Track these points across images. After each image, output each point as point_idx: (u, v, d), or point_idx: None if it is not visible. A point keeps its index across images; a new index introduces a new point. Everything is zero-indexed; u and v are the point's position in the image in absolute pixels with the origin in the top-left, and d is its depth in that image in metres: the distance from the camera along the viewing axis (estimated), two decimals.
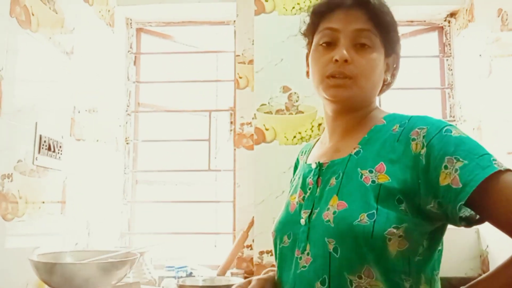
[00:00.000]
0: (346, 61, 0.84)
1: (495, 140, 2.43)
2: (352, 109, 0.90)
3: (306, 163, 0.97)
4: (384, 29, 0.87)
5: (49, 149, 1.91)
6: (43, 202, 1.95)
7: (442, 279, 0.86)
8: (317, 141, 1.05)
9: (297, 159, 1.10)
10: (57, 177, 2.07)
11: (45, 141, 1.88)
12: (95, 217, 2.49)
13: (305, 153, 1.05)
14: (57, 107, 2.09)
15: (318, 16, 0.92)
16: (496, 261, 2.43)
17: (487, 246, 2.51)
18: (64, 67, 2.17)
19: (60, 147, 2.02)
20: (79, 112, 2.30)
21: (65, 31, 2.16)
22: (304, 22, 0.96)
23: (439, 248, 0.82)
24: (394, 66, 0.94)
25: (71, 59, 2.23)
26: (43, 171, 1.93)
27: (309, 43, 0.95)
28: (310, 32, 0.95)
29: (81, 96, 2.34)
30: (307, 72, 0.94)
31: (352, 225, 0.76)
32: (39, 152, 1.83)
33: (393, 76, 0.94)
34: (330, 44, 0.88)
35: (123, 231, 2.93)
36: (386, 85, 0.95)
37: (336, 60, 0.84)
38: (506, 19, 2.31)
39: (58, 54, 2.11)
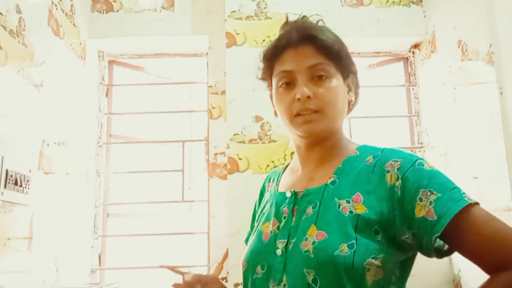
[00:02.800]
0: (308, 97, 0.86)
1: (461, 165, 2.51)
2: (324, 140, 0.91)
3: (277, 191, 0.96)
4: (335, 57, 0.89)
5: (16, 183, 1.86)
6: (9, 239, 1.88)
7: None
8: (285, 168, 1.04)
9: (263, 186, 1.08)
10: (24, 212, 2.01)
11: (11, 176, 1.83)
12: (64, 253, 2.41)
13: (273, 181, 1.03)
14: (25, 140, 2.05)
15: (270, 60, 0.93)
16: (468, 285, 2.46)
17: (459, 271, 2.54)
18: (34, 100, 2.15)
19: (28, 181, 1.97)
20: (48, 145, 2.25)
21: (34, 64, 2.15)
22: (259, 68, 0.98)
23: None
24: (355, 85, 0.96)
25: (41, 92, 2.21)
26: (9, 206, 1.87)
27: (270, 85, 0.97)
28: (267, 75, 0.96)
29: (51, 129, 2.31)
30: (275, 112, 0.96)
31: (333, 256, 0.75)
32: (5, 187, 1.78)
33: (356, 94, 0.96)
34: (289, 84, 0.89)
35: (93, 266, 2.84)
36: (352, 105, 0.97)
37: (299, 99, 0.86)
38: (466, 50, 2.43)
39: (27, 87, 2.09)
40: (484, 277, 0.75)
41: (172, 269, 0.95)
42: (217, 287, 0.94)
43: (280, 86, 0.91)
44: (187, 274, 0.94)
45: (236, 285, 2.41)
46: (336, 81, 0.89)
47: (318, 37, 0.88)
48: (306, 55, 0.88)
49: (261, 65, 0.97)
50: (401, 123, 3.09)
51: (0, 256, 1.81)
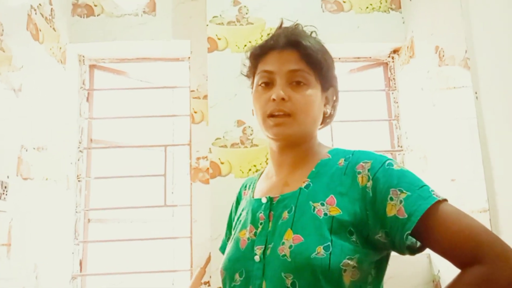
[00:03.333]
0: (283, 99, 0.88)
1: (440, 168, 2.56)
2: (295, 144, 0.92)
3: (253, 197, 0.97)
4: (317, 67, 0.91)
5: None
6: None
7: None
8: (260, 175, 1.05)
9: (239, 193, 1.09)
10: (2, 219, 1.97)
11: None
12: (44, 260, 2.37)
13: (249, 187, 1.04)
14: (2, 146, 2.02)
15: (255, 59, 0.96)
16: None
17: (439, 271, 2.59)
18: (12, 105, 2.12)
19: (5, 187, 1.94)
20: (26, 151, 2.22)
21: (13, 69, 2.12)
22: (244, 65, 1.00)
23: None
24: (334, 98, 0.98)
25: (19, 97, 2.18)
26: None
27: (252, 83, 0.99)
28: (251, 73, 0.99)
29: (30, 134, 2.28)
30: (253, 111, 0.97)
31: (309, 258, 0.76)
32: None
33: (333, 108, 0.98)
34: (268, 84, 0.92)
35: (74, 273, 2.80)
36: (328, 118, 0.99)
37: (274, 99, 0.89)
38: (443, 55, 2.48)
39: (5, 92, 2.06)
40: None
41: None
42: None
43: (260, 85, 0.93)
44: None
45: None
46: (313, 91, 0.91)
47: (303, 44, 0.91)
48: (288, 59, 0.91)
49: (247, 62, 0.99)
50: (381, 126, 3.13)
51: None
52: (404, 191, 0.78)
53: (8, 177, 2.01)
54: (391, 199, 0.78)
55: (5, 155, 2.04)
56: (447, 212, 0.76)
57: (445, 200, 0.78)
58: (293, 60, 0.90)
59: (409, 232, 0.76)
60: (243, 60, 0.99)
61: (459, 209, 0.77)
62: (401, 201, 0.77)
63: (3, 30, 2.04)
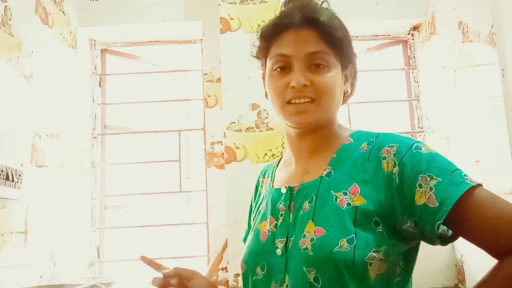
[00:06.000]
0: (304, 85, 0.81)
1: (463, 149, 2.47)
2: (316, 130, 0.86)
3: (272, 187, 0.91)
4: (337, 46, 0.83)
5: (7, 178, 1.82)
6: (3, 235, 1.84)
7: None
8: (278, 162, 0.99)
9: (258, 182, 1.02)
10: (17, 207, 1.96)
11: (2, 171, 1.78)
12: (61, 247, 2.37)
13: (268, 176, 0.98)
14: (15, 133, 2.00)
15: (267, 40, 0.87)
16: (471, 270, 2.44)
17: (462, 256, 2.52)
18: (24, 91, 2.09)
19: (20, 175, 1.92)
20: (40, 138, 2.20)
21: (23, 55, 2.08)
22: (254, 45, 0.91)
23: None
24: (352, 75, 0.91)
25: (31, 83, 2.14)
26: (1, 202, 1.82)
27: (264, 64, 0.91)
28: (262, 55, 0.90)
29: (43, 121, 2.25)
30: (266, 94, 0.90)
31: (332, 252, 0.72)
32: None
33: (352, 85, 0.91)
34: (284, 69, 0.83)
35: (92, 259, 2.81)
36: (347, 96, 0.91)
37: (293, 87, 0.81)
38: (467, 31, 2.37)
39: (16, 78, 2.03)
40: (487, 261, 0.71)
41: (150, 262, 0.91)
42: (200, 281, 0.90)
43: (275, 70, 0.85)
44: (165, 268, 0.90)
45: (237, 275, 2.38)
46: (335, 71, 0.84)
47: (322, 22, 0.82)
48: (306, 40, 0.82)
49: (257, 42, 0.90)
50: (401, 107, 3.04)
51: None
52: (434, 177, 0.71)
53: (22, 165, 1.99)
54: (420, 186, 0.72)
55: (18, 143, 2.02)
56: (482, 198, 0.70)
57: (480, 185, 0.71)
58: (312, 41, 0.82)
59: (441, 221, 0.70)
60: (253, 40, 0.91)
61: (495, 194, 0.71)
62: (431, 188, 0.71)
63: (11, 15, 1.99)
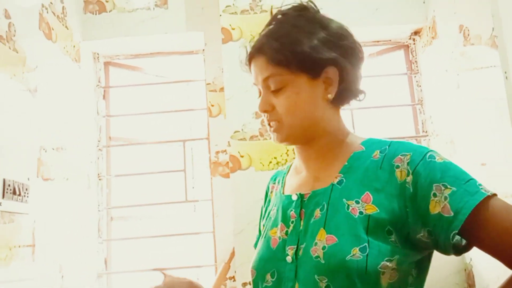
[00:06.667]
0: (266, 111, 0.86)
1: (468, 152, 2.46)
2: (306, 141, 0.87)
3: (283, 194, 0.92)
4: (288, 63, 0.82)
5: (14, 192, 1.83)
6: (10, 249, 1.85)
7: None
8: (289, 168, 0.99)
9: (268, 187, 1.03)
10: (25, 221, 1.97)
11: (9, 185, 1.80)
12: (68, 259, 2.38)
13: (278, 182, 0.99)
14: (22, 147, 2.01)
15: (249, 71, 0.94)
16: (481, 274, 2.42)
17: (471, 259, 2.50)
18: (29, 106, 2.11)
19: (27, 189, 1.94)
20: (45, 151, 2.22)
21: (27, 70, 2.11)
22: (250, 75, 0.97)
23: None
24: (337, 76, 0.84)
25: (36, 97, 2.17)
26: (9, 216, 1.83)
27: None
28: None
29: (48, 134, 2.27)
30: None
31: (344, 261, 0.71)
32: (3, 197, 1.74)
33: (346, 83, 0.85)
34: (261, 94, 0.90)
35: (100, 271, 2.81)
36: (340, 95, 0.86)
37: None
38: (468, 34, 2.37)
39: (21, 93, 2.05)
40: (497, 265, 0.71)
41: (163, 272, 0.93)
42: None
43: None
44: (167, 276, 0.92)
45: (244, 284, 2.38)
46: (294, 88, 0.83)
47: (267, 46, 0.84)
48: (259, 68, 0.86)
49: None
50: (404, 112, 3.03)
51: (4, 266, 1.78)
52: (449, 187, 0.71)
53: (28, 179, 2.01)
54: (435, 195, 0.71)
55: (24, 156, 2.04)
56: (497, 208, 0.70)
57: (495, 194, 0.71)
58: (262, 67, 0.85)
59: (456, 231, 0.69)
60: (246, 69, 0.93)
61: (510, 205, 0.70)
62: (446, 198, 0.70)
63: (15, 31, 2.02)
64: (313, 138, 0.86)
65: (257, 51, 0.86)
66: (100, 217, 2.88)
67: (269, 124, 0.87)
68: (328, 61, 0.83)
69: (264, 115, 0.87)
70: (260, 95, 0.88)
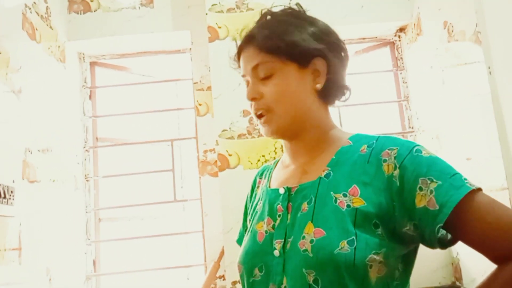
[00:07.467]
0: (254, 99, 0.86)
1: (454, 147, 2.49)
2: (298, 134, 0.87)
3: (269, 187, 0.92)
4: (279, 51, 0.84)
5: None
6: None
7: None
8: (276, 163, 0.99)
9: (254, 182, 1.03)
10: (11, 224, 1.95)
11: None
12: (56, 262, 2.35)
13: (265, 176, 0.98)
14: (6, 150, 1.99)
15: (238, 64, 0.95)
16: (467, 268, 2.45)
17: (458, 254, 2.54)
18: (13, 107, 2.08)
19: (12, 192, 1.91)
20: (31, 153, 2.19)
21: (11, 71, 2.08)
22: (239, 72, 0.98)
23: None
24: (325, 67, 0.86)
25: (20, 99, 2.14)
26: None
27: None
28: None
29: (34, 136, 2.24)
30: None
31: (333, 254, 0.71)
32: None
33: (334, 74, 0.86)
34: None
35: (88, 273, 2.79)
36: (328, 89, 0.87)
37: (250, 101, 0.87)
38: (452, 31, 2.39)
39: (5, 95, 2.02)
40: (484, 258, 0.72)
41: None
42: None
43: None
44: None
45: (234, 283, 2.38)
46: (282, 76, 0.84)
47: (257, 35, 0.86)
48: (249, 57, 0.87)
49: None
50: (390, 108, 3.06)
51: None
52: (435, 180, 0.72)
53: (14, 181, 1.98)
54: (421, 189, 0.72)
55: (9, 159, 2.01)
56: (482, 202, 0.71)
57: (480, 189, 0.72)
58: (252, 56, 0.86)
59: (441, 224, 0.70)
60: (235, 65, 0.95)
61: (495, 199, 0.72)
62: (431, 191, 0.71)
63: None
64: (302, 130, 0.87)
65: (247, 40, 0.88)
66: (88, 219, 2.85)
67: (257, 116, 0.87)
68: (316, 52, 0.85)
69: (252, 105, 0.87)
70: (248, 86, 0.89)
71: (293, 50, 0.84)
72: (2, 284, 1.86)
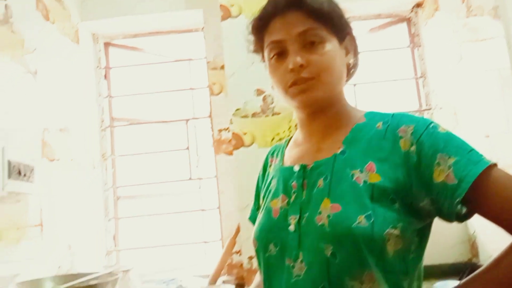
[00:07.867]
0: (301, 66, 0.82)
1: (472, 124, 2.45)
2: (324, 108, 0.86)
3: (283, 165, 0.93)
4: (327, 20, 0.83)
5: (20, 173, 1.85)
6: (18, 229, 1.88)
7: (432, 266, 0.85)
8: (288, 141, 1.00)
9: (266, 161, 1.03)
10: (31, 201, 2.00)
11: (14, 166, 1.82)
12: (77, 238, 2.42)
13: (277, 155, 0.99)
14: (25, 129, 2.03)
15: (258, 32, 0.89)
16: (484, 245, 2.44)
17: (474, 231, 2.52)
18: (30, 88, 2.11)
19: (32, 170, 1.96)
20: (49, 132, 2.23)
21: (26, 52, 2.10)
22: (249, 41, 0.93)
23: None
24: (353, 47, 0.90)
25: (37, 79, 2.17)
26: (15, 197, 1.86)
27: (263, 57, 0.93)
28: (259, 47, 0.92)
29: (51, 115, 2.28)
30: (272, 85, 0.92)
31: (350, 228, 0.73)
32: (9, 177, 1.77)
33: (355, 56, 0.91)
34: (281, 54, 0.85)
35: (109, 248, 2.86)
36: (352, 68, 0.92)
37: (292, 69, 0.82)
38: (470, 6, 2.33)
39: (22, 75, 2.05)
40: (500, 236, 0.73)
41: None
42: None
43: (272, 58, 0.87)
44: None
45: (250, 258, 2.42)
46: (331, 45, 0.84)
47: (305, 1, 0.84)
48: (294, 21, 0.83)
49: (251, 37, 0.92)
50: (407, 86, 3.01)
51: (12, 246, 1.82)
52: (453, 156, 0.73)
53: (33, 160, 2.03)
54: (438, 164, 0.73)
55: (29, 138, 2.06)
56: (500, 177, 0.72)
57: (496, 164, 0.73)
58: (300, 21, 0.83)
59: (460, 199, 0.71)
60: (246, 36, 0.92)
61: (510, 174, 0.73)
62: (449, 166, 0.73)
63: (12, 13, 2.01)
64: (331, 103, 0.87)
65: (292, 5, 0.84)
66: (107, 196, 2.92)
67: (297, 83, 0.82)
68: (349, 29, 0.88)
69: (293, 72, 0.82)
70: (281, 55, 0.85)
71: (339, 23, 0.85)
72: (26, 259, 1.93)
